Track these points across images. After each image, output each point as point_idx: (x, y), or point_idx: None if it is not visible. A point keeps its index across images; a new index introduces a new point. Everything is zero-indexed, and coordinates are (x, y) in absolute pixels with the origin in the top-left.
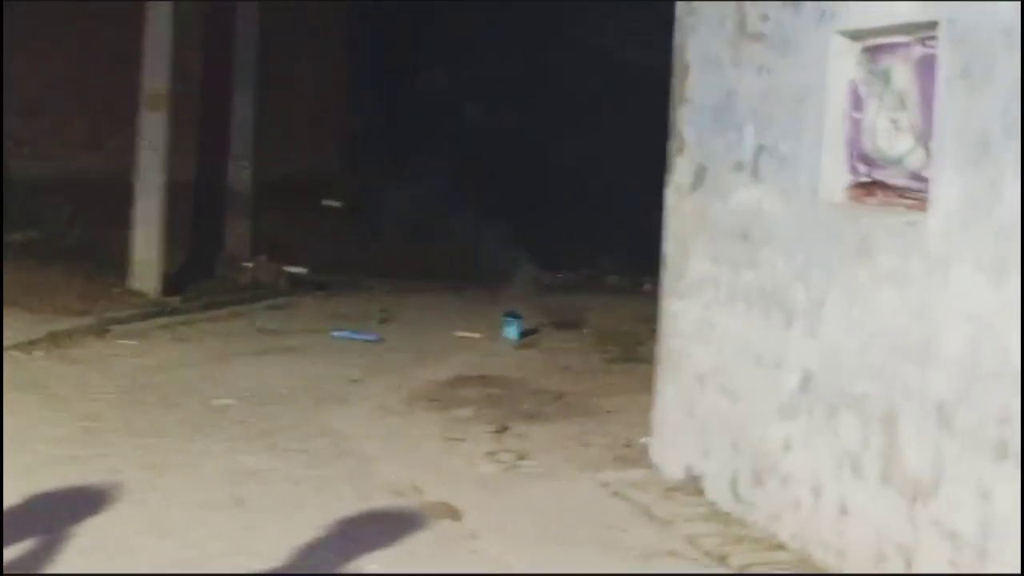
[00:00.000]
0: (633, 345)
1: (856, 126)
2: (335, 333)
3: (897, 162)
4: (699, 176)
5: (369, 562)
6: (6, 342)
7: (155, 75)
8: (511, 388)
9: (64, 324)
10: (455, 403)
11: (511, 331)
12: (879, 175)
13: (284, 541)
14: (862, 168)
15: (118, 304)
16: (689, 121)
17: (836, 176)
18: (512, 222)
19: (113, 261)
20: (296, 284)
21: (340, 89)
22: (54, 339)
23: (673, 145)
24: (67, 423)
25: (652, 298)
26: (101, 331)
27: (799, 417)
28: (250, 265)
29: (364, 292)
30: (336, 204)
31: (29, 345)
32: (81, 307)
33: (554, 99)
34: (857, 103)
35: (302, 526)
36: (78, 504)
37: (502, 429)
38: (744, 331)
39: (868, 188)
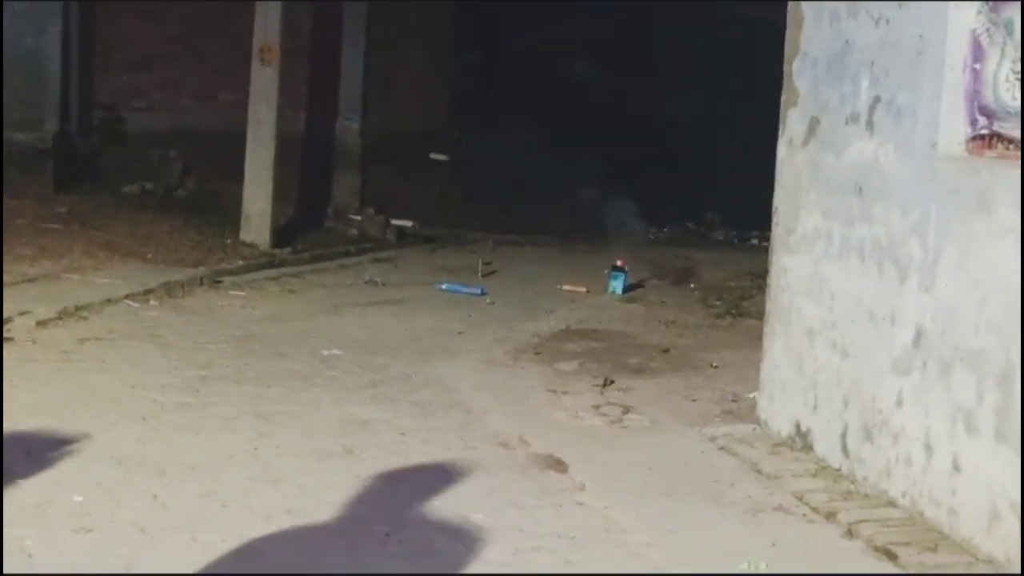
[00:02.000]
0: (739, 300)
1: (976, 77)
2: (441, 286)
3: (1018, 114)
4: (812, 129)
5: (473, 512)
6: (123, 291)
7: (266, 29)
8: (616, 342)
9: (177, 275)
10: (560, 356)
11: (616, 285)
12: (999, 128)
13: (393, 490)
14: (982, 120)
15: (230, 256)
16: (803, 73)
17: (955, 128)
18: (618, 176)
19: (225, 213)
20: (402, 237)
21: (447, 45)
22: (168, 289)
23: (786, 97)
24: (180, 371)
25: (759, 253)
26: (213, 282)
27: (912, 373)
28: (358, 218)
29: (469, 245)
30: (443, 158)
31: (144, 295)
32: (194, 258)
33: (661, 55)
34: (978, 54)
35: (410, 476)
36: (189, 450)
37: (607, 382)
38: (857, 286)
39: (987, 141)
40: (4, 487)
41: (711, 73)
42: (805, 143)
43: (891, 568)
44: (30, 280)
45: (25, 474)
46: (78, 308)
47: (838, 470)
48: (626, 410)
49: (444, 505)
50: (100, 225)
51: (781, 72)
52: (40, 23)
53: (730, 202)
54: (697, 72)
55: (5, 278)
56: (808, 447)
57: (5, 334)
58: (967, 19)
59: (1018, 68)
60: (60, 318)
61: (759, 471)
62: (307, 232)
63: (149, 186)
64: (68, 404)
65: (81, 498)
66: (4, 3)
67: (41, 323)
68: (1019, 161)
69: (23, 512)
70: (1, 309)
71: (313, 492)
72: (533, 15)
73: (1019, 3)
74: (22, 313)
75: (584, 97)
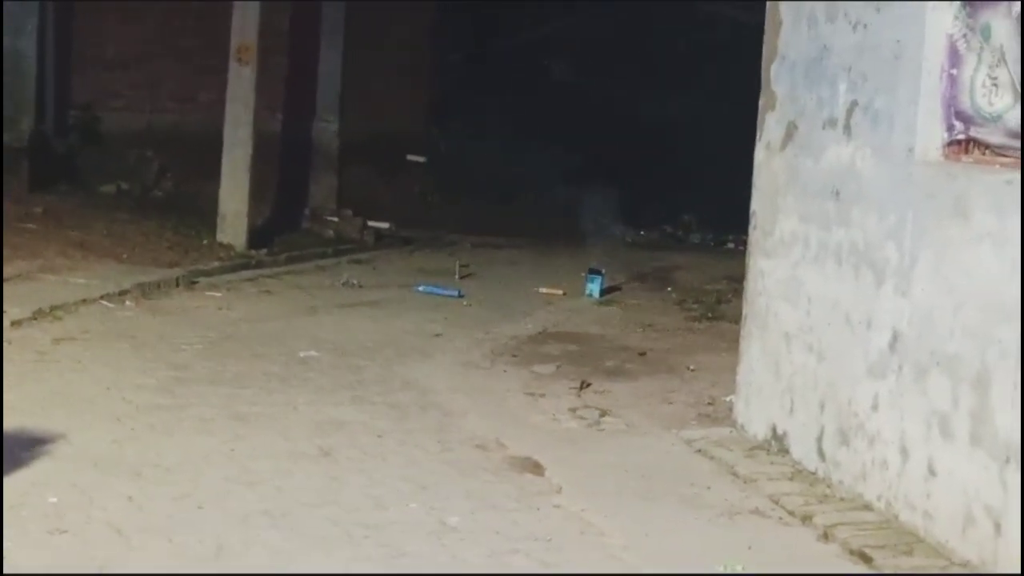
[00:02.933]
0: (716, 303)
1: (953, 83)
2: (418, 288)
3: (995, 119)
4: (790, 133)
5: (450, 514)
6: (99, 292)
7: (243, 29)
8: (593, 344)
9: (153, 275)
10: (537, 359)
11: (594, 288)
12: (976, 133)
13: (369, 492)
14: (958, 126)
15: (206, 256)
16: (781, 77)
17: (932, 133)
18: (596, 179)
19: (202, 214)
20: (380, 239)
21: (427, 45)
22: (143, 290)
23: (764, 101)
24: (155, 372)
25: (736, 256)
26: (189, 283)
27: (888, 377)
28: (335, 219)
29: (447, 247)
30: (420, 159)
31: (119, 295)
32: (170, 259)
33: (640, 56)
34: (955, 59)
35: (387, 478)
36: (165, 451)
37: (584, 385)
38: (833, 290)
39: (964, 146)
40: None
41: (690, 76)
42: (783, 147)
43: (866, 571)
44: (5, 280)
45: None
46: (53, 308)
47: (814, 473)
48: (603, 413)
49: (420, 507)
50: (76, 225)
51: (760, 75)
52: (16, 22)
53: (707, 205)
54: (676, 75)
55: None
56: (784, 450)
57: None
58: (944, 24)
59: (995, 74)
60: (35, 318)
61: (735, 474)
62: (284, 233)
63: (125, 186)
64: (43, 405)
65: (56, 499)
66: None
67: (15, 323)
68: (998, 166)
69: None
70: (1, 307)
71: (289, 493)
72: (514, 16)
73: (996, 9)
74: None
75: (564, 99)
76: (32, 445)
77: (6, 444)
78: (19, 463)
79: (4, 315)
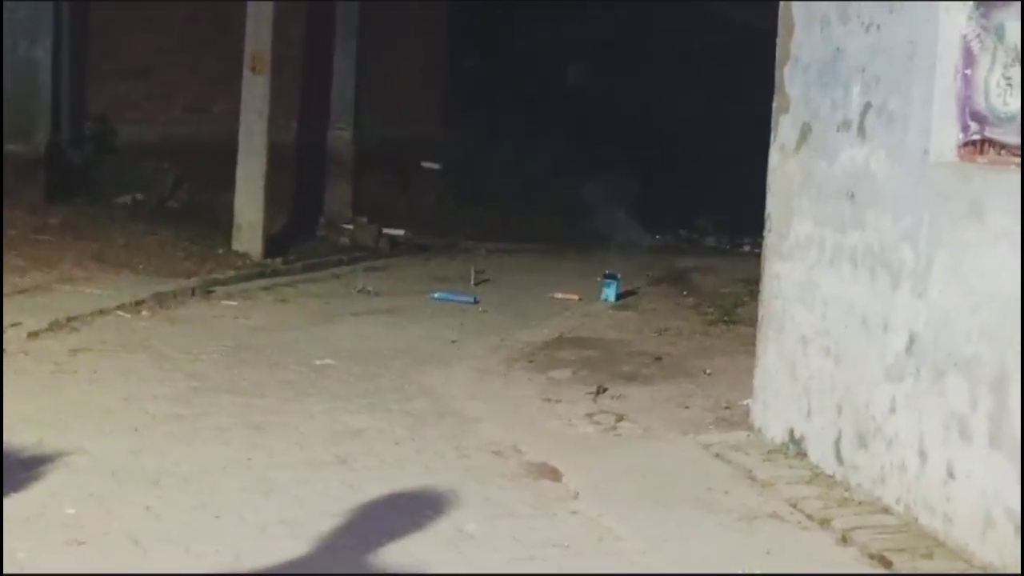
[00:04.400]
0: (732, 307)
1: (967, 83)
2: (434, 294)
3: (1010, 120)
4: (804, 135)
5: (467, 521)
6: (115, 302)
7: (256, 38)
8: (609, 350)
9: (169, 285)
10: (553, 364)
11: (609, 292)
12: (991, 133)
13: (387, 499)
14: (973, 126)
15: (222, 266)
16: (794, 79)
17: (946, 134)
18: (611, 183)
19: (217, 224)
20: (395, 246)
21: (441, 51)
22: (160, 299)
23: (777, 103)
24: (172, 382)
25: (751, 259)
26: (205, 292)
27: (905, 379)
28: (350, 227)
29: (462, 254)
30: (435, 166)
31: (136, 306)
32: (186, 268)
33: (655, 60)
34: (969, 59)
35: (404, 485)
36: (182, 461)
37: (600, 390)
38: (849, 292)
39: (979, 147)
40: None
41: (704, 78)
42: (797, 149)
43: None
44: (21, 291)
45: (18, 486)
46: (69, 319)
47: (832, 477)
48: (620, 418)
49: (435, 513)
50: (92, 236)
51: (773, 78)
52: (32, 33)
53: (722, 209)
54: (691, 78)
55: None
56: (802, 454)
57: None
58: (958, 24)
59: (1009, 74)
60: (51, 329)
61: (753, 478)
62: (299, 242)
63: (141, 197)
64: (60, 415)
65: (74, 510)
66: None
67: (32, 334)
68: (1013, 167)
69: (16, 524)
70: (1, 319)
71: (307, 502)
72: (528, 22)
73: (1010, 8)
74: (13, 324)
75: (578, 104)
76: (50, 457)
77: (23, 455)
78: (37, 474)
79: (20, 326)
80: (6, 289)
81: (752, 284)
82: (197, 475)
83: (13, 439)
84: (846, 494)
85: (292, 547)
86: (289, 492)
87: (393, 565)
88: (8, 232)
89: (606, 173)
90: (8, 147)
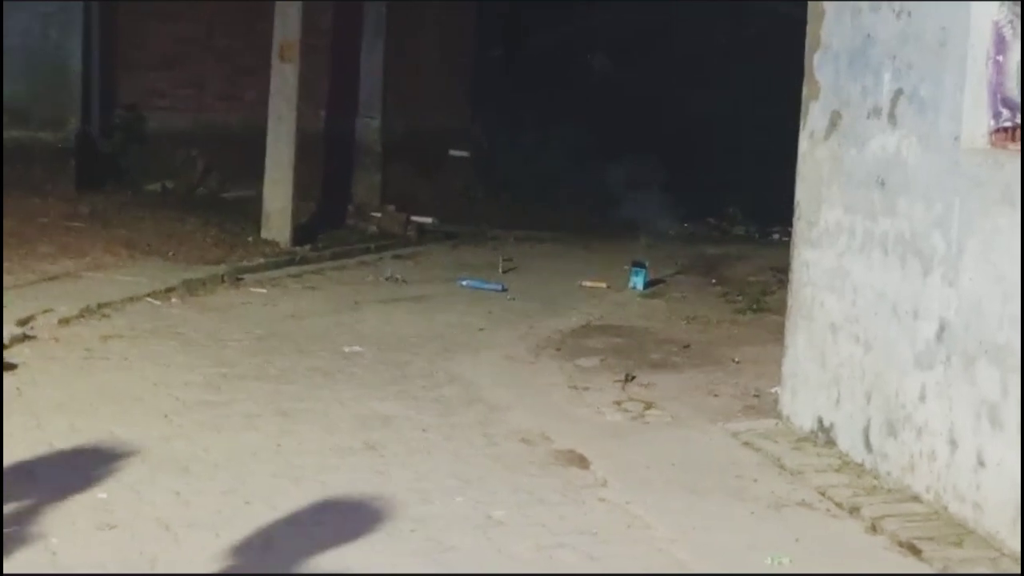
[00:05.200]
0: (761, 295)
1: (999, 69)
2: (462, 282)
3: None
4: (834, 122)
5: (496, 508)
6: (145, 289)
7: (285, 27)
8: (637, 337)
9: (198, 272)
10: (581, 352)
11: (637, 280)
12: (1022, 119)
13: (415, 486)
14: (1005, 113)
15: (251, 253)
16: (824, 66)
17: (978, 121)
18: (638, 172)
19: (247, 211)
20: (423, 234)
21: (467, 42)
22: (189, 287)
23: (807, 91)
24: (202, 369)
25: (780, 247)
26: (234, 279)
27: (935, 367)
28: (378, 215)
29: (490, 242)
30: (463, 154)
31: (166, 293)
32: (215, 256)
33: (681, 49)
34: (1001, 46)
35: (432, 472)
36: (212, 447)
37: (629, 378)
38: (880, 280)
39: (1010, 133)
40: (28, 488)
41: (732, 67)
42: (827, 137)
43: (916, 564)
44: (52, 278)
45: (52, 472)
46: (100, 306)
47: (861, 465)
48: (648, 406)
49: (466, 501)
50: (122, 223)
51: (802, 66)
52: (62, 23)
53: (751, 197)
54: (718, 67)
55: (28, 276)
56: (831, 442)
57: (28, 332)
58: (989, 11)
59: None
60: (82, 316)
61: (782, 466)
62: (328, 229)
63: (171, 185)
64: (91, 402)
65: (105, 495)
66: (26, 3)
67: (63, 321)
68: None
69: (49, 510)
70: (1, 335)
71: (336, 488)
72: (555, 12)
73: None
74: (45, 311)
75: (605, 94)
76: (81, 442)
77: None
78: (69, 461)
79: (51, 313)
80: (38, 276)
81: (781, 273)
82: (227, 461)
83: (46, 426)
84: (875, 482)
85: (321, 532)
86: (318, 478)
87: (421, 551)
88: (39, 220)
89: (634, 162)
90: (39, 136)
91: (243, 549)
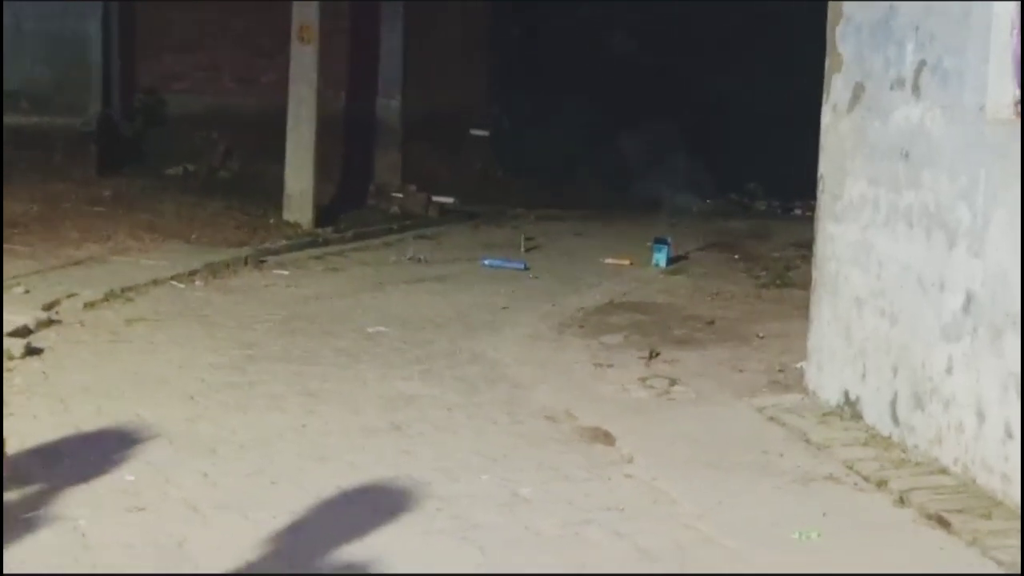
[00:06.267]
0: (784, 270)
1: None
2: (484, 261)
3: None
4: (857, 95)
5: (522, 485)
6: (169, 272)
7: (304, 8)
8: (661, 314)
9: (221, 255)
10: (605, 329)
11: (660, 257)
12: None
13: (441, 465)
14: None
15: (273, 235)
16: (846, 38)
17: (1003, 91)
18: (660, 149)
19: (268, 193)
20: (444, 214)
21: (487, 20)
22: (212, 269)
23: (830, 63)
24: (226, 351)
25: (802, 223)
26: (257, 262)
27: (962, 339)
28: (399, 196)
29: (511, 221)
30: (483, 133)
31: (189, 275)
32: (238, 238)
33: (701, 26)
34: None
35: (458, 451)
36: (238, 429)
37: (653, 355)
38: (905, 253)
39: None
40: (55, 471)
41: (752, 43)
42: (850, 109)
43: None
44: (76, 263)
45: (78, 454)
46: (124, 290)
47: (888, 438)
48: (672, 382)
49: (492, 478)
50: (144, 207)
51: (822, 40)
52: (81, 9)
53: (773, 172)
54: (738, 43)
55: (52, 261)
56: (857, 416)
57: (53, 316)
58: None
59: None
60: (107, 300)
61: (808, 441)
62: (349, 210)
63: (192, 168)
64: (117, 384)
65: (132, 477)
66: None
67: (88, 305)
68: None
69: (77, 491)
70: (1, 328)
71: (362, 468)
72: None
73: None
74: (69, 295)
75: (625, 71)
76: (107, 424)
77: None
78: (95, 443)
79: (76, 297)
80: (62, 261)
81: (804, 247)
82: (253, 442)
83: (73, 408)
84: (902, 455)
85: (348, 511)
86: (344, 458)
87: (448, 529)
88: (62, 205)
89: (654, 139)
90: (60, 120)
91: (274, 533)
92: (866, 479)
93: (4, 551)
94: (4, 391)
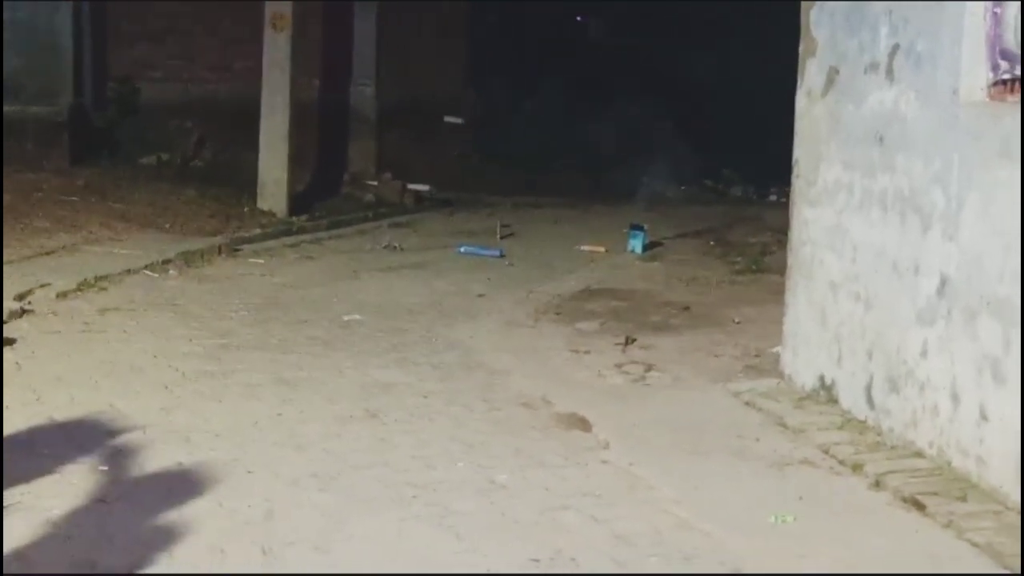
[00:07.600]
0: (759, 255)
1: (997, 22)
2: (460, 249)
3: None
4: (831, 79)
5: (498, 472)
6: (142, 262)
7: None
8: (637, 300)
9: (196, 244)
10: (581, 316)
11: (636, 244)
12: (1020, 72)
13: (418, 452)
14: (1003, 65)
15: (248, 224)
16: (820, 22)
17: (976, 74)
18: (635, 136)
19: (242, 182)
20: (420, 201)
21: (462, 7)
22: (186, 258)
23: (804, 48)
24: (201, 340)
25: (778, 208)
26: (232, 250)
27: (937, 322)
28: (375, 184)
29: (487, 208)
30: (458, 120)
31: (163, 265)
32: (212, 227)
33: (676, 12)
34: None
35: (434, 438)
36: (213, 417)
37: (629, 341)
38: (879, 237)
39: (1009, 86)
40: (28, 461)
41: (727, 29)
42: (824, 94)
43: (920, 520)
44: (48, 252)
45: (51, 445)
46: (98, 279)
47: (864, 422)
48: (649, 368)
49: (468, 465)
50: (117, 196)
51: (796, 26)
52: None
53: (747, 159)
54: (712, 29)
55: (24, 251)
56: (833, 400)
57: (26, 307)
58: None
59: None
60: (80, 289)
61: (784, 425)
62: (324, 199)
63: (166, 157)
64: (91, 375)
65: (106, 467)
66: None
67: (61, 295)
68: None
69: (50, 482)
70: (1, 308)
71: (338, 456)
72: None
73: None
74: (42, 285)
75: (602, 58)
76: (82, 416)
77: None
78: (69, 433)
79: (49, 287)
80: (34, 250)
81: (778, 233)
82: (228, 431)
83: (46, 399)
84: (878, 439)
85: (323, 500)
86: (320, 446)
87: (424, 516)
88: (34, 195)
89: (630, 125)
90: (32, 110)
91: (249, 521)
92: (842, 463)
93: None
94: None
